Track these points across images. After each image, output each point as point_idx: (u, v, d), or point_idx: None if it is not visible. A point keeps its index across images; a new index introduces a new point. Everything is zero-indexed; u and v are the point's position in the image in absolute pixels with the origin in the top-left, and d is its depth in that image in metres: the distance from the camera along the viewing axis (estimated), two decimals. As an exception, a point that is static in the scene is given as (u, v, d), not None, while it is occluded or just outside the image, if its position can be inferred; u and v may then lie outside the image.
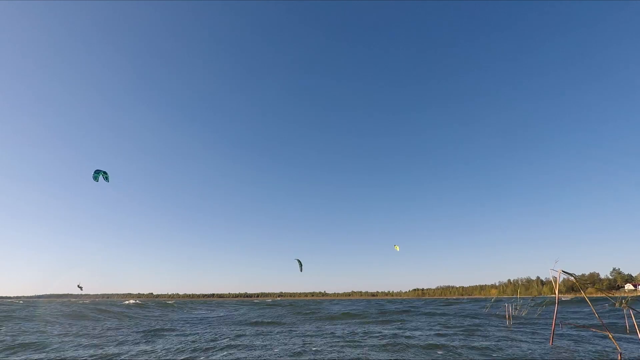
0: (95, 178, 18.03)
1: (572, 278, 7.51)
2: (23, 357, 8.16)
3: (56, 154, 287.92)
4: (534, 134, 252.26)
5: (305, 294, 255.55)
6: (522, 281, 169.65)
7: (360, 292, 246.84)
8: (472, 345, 8.67)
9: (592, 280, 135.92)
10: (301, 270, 28.51)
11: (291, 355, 7.85)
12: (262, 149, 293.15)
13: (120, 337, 11.66)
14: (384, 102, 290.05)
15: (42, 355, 8.22)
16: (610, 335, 5.78)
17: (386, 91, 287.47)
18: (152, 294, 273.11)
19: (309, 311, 28.33)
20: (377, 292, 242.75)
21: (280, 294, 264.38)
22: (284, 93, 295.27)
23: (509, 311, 13.28)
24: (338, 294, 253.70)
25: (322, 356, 7.65)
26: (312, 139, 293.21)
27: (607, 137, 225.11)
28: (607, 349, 8.14)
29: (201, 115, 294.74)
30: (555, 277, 6.05)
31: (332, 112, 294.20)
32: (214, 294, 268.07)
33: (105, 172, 18.36)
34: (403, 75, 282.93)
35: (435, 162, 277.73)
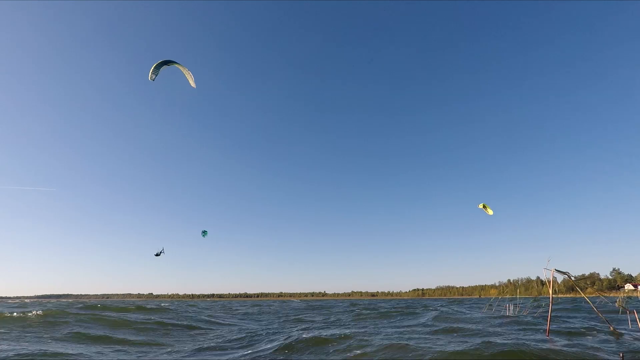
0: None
1: (567, 277, 7.45)
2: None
3: (56, 154, 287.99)
4: (535, 134, 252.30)
5: (305, 294, 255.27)
6: (522, 281, 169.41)
7: (360, 292, 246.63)
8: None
9: (592, 280, 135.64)
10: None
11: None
12: (262, 149, 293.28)
13: None
14: (385, 103, 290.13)
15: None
16: (611, 328, 5.76)
17: (387, 92, 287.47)
18: (152, 294, 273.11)
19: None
20: (377, 292, 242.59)
21: (280, 294, 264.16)
22: (285, 94, 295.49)
23: (509, 311, 13.17)
24: (338, 294, 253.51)
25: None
26: (313, 139, 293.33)
27: (608, 138, 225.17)
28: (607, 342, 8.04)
29: (201, 115, 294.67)
30: (549, 276, 6.01)
31: (332, 113, 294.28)
32: (213, 294, 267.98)
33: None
34: (403, 75, 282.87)
35: (435, 163, 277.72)
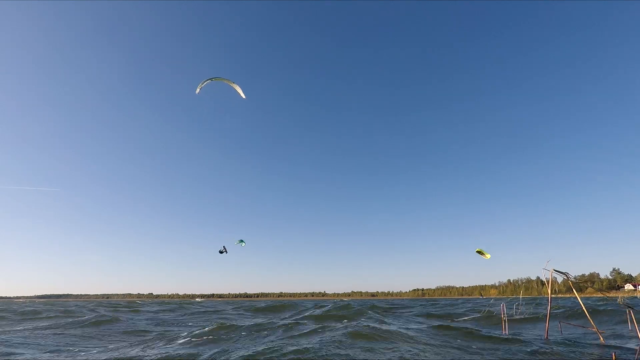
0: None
1: (566, 277, 7.39)
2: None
3: (56, 154, 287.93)
4: (535, 134, 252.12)
5: (305, 294, 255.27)
6: (522, 281, 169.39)
7: (361, 292, 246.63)
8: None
9: (592, 280, 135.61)
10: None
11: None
12: (262, 149, 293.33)
13: None
14: (385, 103, 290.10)
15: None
16: (601, 338, 5.69)
17: (387, 92, 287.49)
18: (152, 294, 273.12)
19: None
20: (377, 292, 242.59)
21: (280, 294, 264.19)
22: (285, 94, 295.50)
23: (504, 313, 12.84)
24: (338, 294, 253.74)
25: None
26: (313, 139, 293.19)
27: (608, 138, 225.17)
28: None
29: (201, 115, 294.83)
30: (548, 277, 5.96)
31: (332, 113, 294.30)
32: (213, 294, 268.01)
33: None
34: (403, 75, 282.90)
35: (435, 163, 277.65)
